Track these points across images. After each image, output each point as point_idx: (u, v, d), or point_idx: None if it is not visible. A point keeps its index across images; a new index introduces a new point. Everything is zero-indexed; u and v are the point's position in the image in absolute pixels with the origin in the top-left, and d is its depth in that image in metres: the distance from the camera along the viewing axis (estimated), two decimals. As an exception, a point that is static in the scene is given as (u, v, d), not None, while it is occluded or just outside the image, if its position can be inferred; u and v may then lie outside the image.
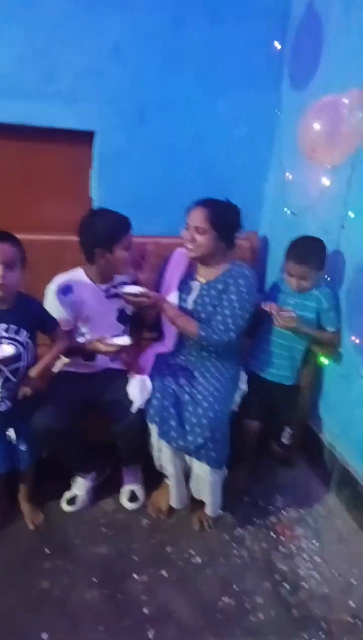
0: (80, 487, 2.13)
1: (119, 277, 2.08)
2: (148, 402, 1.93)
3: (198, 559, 1.94)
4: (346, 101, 1.81)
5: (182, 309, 2.08)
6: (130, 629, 1.68)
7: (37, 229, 2.41)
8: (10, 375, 1.80)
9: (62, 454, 2.02)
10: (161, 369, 2.06)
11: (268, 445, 2.44)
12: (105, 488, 2.20)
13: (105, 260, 1.94)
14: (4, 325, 1.77)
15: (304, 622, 1.74)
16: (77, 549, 1.95)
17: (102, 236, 1.91)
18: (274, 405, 2.27)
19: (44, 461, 1.99)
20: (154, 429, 1.93)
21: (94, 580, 1.83)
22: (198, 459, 1.90)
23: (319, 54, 2.26)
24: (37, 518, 2.03)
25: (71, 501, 2.10)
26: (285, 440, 2.34)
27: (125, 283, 2.09)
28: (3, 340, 1.76)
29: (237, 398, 2.11)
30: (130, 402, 1.91)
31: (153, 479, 2.16)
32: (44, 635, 1.64)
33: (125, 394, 1.94)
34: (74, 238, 1.97)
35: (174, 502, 2.04)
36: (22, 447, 1.90)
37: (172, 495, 2.03)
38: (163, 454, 1.97)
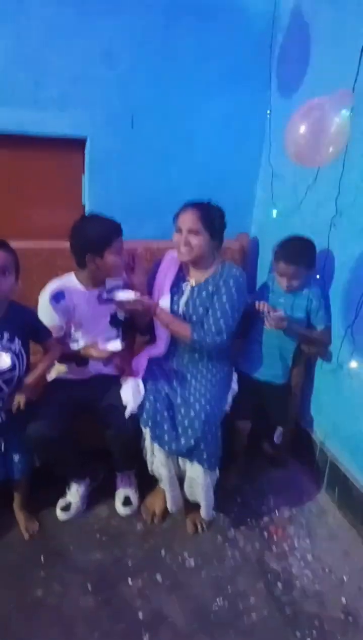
0: (74, 493, 2.09)
1: (111, 282, 2.04)
2: (141, 405, 1.90)
3: (192, 562, 1.91)
4: (331, 103, 1.78)
5: (174, 312, 2.05)
6: (125, 634, 1.64)
7: (29, 236, 2.38)
8: (3, 385, 1.75)
9: (56, 462, 1.97)
10: (154, 373, 2.03)
11: (260, 445, 2.41)
12: (100, 494, 2.16)
13: (96, 265, 1.90)
14: (-3, 334, 1.72)
15: (297, 620, 1.71)
16: (72, 556, 1.90)
17: (92, 241, 1.87)
18: (265, 405, 2.23)
19: (37, 469, 1.94)
20: (147, 433, 1.90)
21: (89, 586, 1.79)
22: (191, 460, 1.87)
23: (306, 59, 2.23)
24: (32, 526, 1.98)
25: (65, 508, 2.06)
26: (276, 439, 2.31)
27: (117, 287, 2.05)
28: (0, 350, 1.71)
29: (229, 399, 2.08)
30: (124, 407, 1.88)
31: (147, 484, 2.13)
32: (39, 643, 1.60)
33: (119, 398, 1.91)
34: (67, 244, 1.93)
35: (169, 506, 2.01)
36: (16, 457, 1.85)
37: (167, 499, 2.00)
38: (156, 458, 1.94)
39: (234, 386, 2.13)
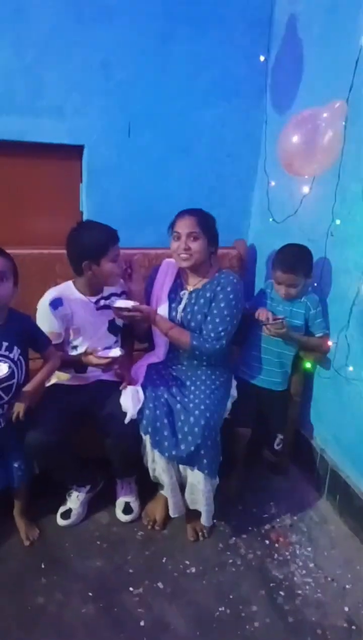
0: (74, 500, 2.09)
1: (109, 289, 2.06)
2: (140, 412, 1.91)
3: (193, 569, 1.91)
4: (325, 114, 1.81)
5: (172, 319, 2.08)
6: (126, 643, 1.64)
7: (27, 243, 2.41)
8: (2, 394, 1.76)
9: (56, 469, 1.98)
10: (153, 379, 2.04)
11: (260, 452, 2.42)
12: (100, 501, 2.16)
13: (93, 272, 1.92)
14: (-4, 343, 1.73)
15: (300, 628, 1.71)
16: (72, 563, 1.90)
17: (88, 249, 1.89)
18: (265, 412, 2.25)
19: (37, 476, 1.95)
20: (147, 440, 1.91)
21: (89, 594, 1.79)
22: (191, 466, 1.88)
23: (300, 71, 2.26)
24: (33, 533, 1.99)
25: (66, 515, 2.06)
26: (276, 446, 2.32)
27: (115, 295, 2.07)
28: None
29: (228, 405, 2.09)
30: (123, 414, 1.89)
31: (147, 490, 2.13)
32: (40, 652, 1.60)
33: (118, 405, 1.92)
34: (65, 251, 1.95)
35: (171, 511, 2.01)
36: (16, 464, 1.86)
37: (169, 505, 2.00)
38: (157, 464, 1.95)
39: (234, 393, 2.14)
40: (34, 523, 2.03)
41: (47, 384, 1.99)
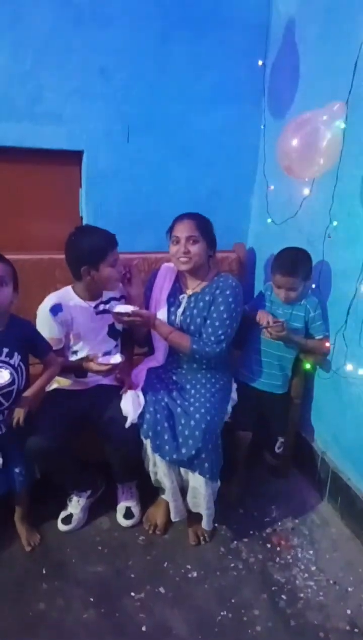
0: (75, 505, 2.10)
1: (108, 294, 2.07)
2: (141, 416, 1.92)
3: (194, 574, 1.91)
4: (324, 116, 1.82)
5: (171, 323, 2.09)
6: (128, 648, 1.65)
7: (27, 248, 2.43)
8: (2, 400, 1.77)
9: (56, 473, 1.99)
10: (153, 383, 2.05)
11: (261, 455, 2.42)
12: (101, 506, 2.17)
13: (92, 277, 1.93)
14: (-4, 349, 1.74)
15: (302, 632, 1.72)
16: (74, 569, 1.91)
17: (87, 253, 1.90)
18: (266, 415, 2.26)
19: (38, 481, 1.96)
20: (147, 444, 1.92)
21: (91, 599, 1.80)
22: (192, 469, 1.89)
23: (298, 73, 2.28)
24: (34, 538, 2.00)
25: (67, 520, 2.07)
26: (277, 449, 2.33)
27: (114, 299, 2.08)
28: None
29: (229, 408, 2.10)
30: (124, 418, 1.90)
31: (148, 495, 2.14)
32: (41, 658, 1.61)
33: (119, 409, 1.93)
34: (64, 256, 1.96)
35: (173, 515, 2.01)
36: (17, 470, 1.87)
37: (171, 509, 2.00)
38: (158, 468, 1.95)
39: (234, 396, 2.14)
40: (35, 528, 2.03)
41: (48, 389, 2.00)
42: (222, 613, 1.77)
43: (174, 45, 2.40)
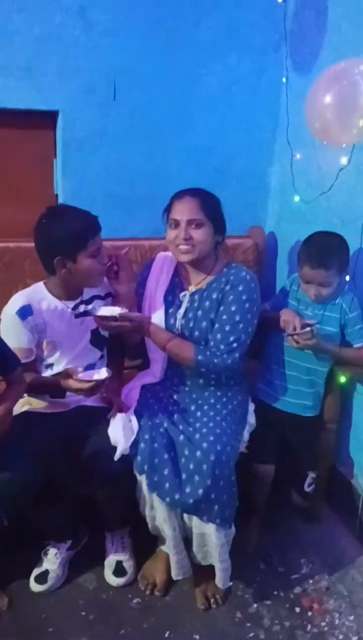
0: (52, 560, 2.10)
1: (90, 291, 2.07)
2: (134, 446, 1.91)
3: (204, 646, 1.92)
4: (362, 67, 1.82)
5: (170, 327, 2.09)
6: None
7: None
8: None
9: (28, 519, 1.99)
10: (149, 404, 2.06)
11: (287, 494, 2.42)
12: (85, 560, 2.17)
13: (68, 270, 1.93)
14: None
15: None
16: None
17: (61, 241, 1.89)
18: (292, 444, 2.26)
19: (5, 529, 1.94)
20: (142, 481, 1.91)
21: None
22: (200, 515, 1.88)
23: (326, 18, 2.28)
24: (1, 602, 1.99)
25: (41, 578, 2.07)
26: (307, 487, 2.32)
27: (98, 298, 2.09)
28: None
29: (245, 435, 2.10)
30: (113, 448, 1.89)
31: (144, 545, 2.14)
32: None
33: (106, 438, 1.93)
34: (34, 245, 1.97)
35: (174, 573, 2.01)
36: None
37: (171, 564, 2.00)
38: (157, 512, 1.95)
39: (251, 419, 2.15)
40: (2, 590, 2.03)
41: (16, 412, 1.99)
42: None
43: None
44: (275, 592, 2.10)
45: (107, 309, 1.96)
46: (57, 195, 2.59)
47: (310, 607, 2.05)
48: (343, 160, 2.17)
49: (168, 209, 2.06)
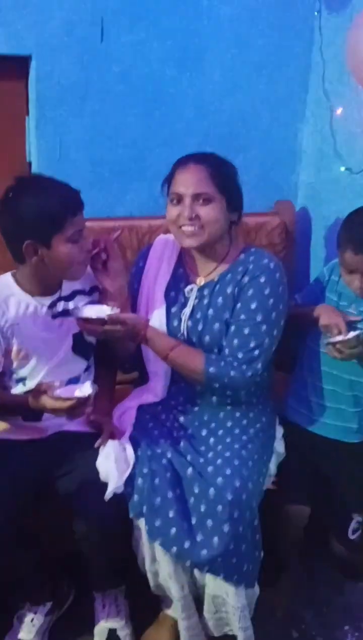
0: (27, 628, 2.09)
1: (71, 285, 2.07)
2: (130, 482, 1.91)
3: None
4: None
5: (173, 332, 2.09)
6: None
7: None
8: None
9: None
10: (148, 429, 2.06)
11: (325, 543, 2.39)
12: (69, 627, 2.17)
13: (41, 258, 1.92)
14: None
15: None
16: None
17: (32, 221, 1.88)
18: (331, 478, 2.25)
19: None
20: (141, 526, 1.91)
21: None
22: (214, 572, 1.87)
23: None
24: None
25: (15, 651, 2.08)
26: (351, 534, 2.30)
27: (81, 293, 2.08)
28: None
29: (272, 468, 2.10)
30: (102, 485, 1.89)
31: (145, 609, 2.14)
32: None
33: (93, 471, 1.93)
34: (-1, 226, 1.97)
35: (184, 642, 2.02)
36: None
37: (180, 631, 1.99)
38: (160, 566, 1.95)
39: (279, 447, 2.15)
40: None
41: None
42: None
43: None
44: (312, 669, 2.12)
45: (93, 308, 1.95)
46: (29, 163, 2.60)
47: None
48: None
49: (169, 180, 2.06)
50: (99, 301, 2.06)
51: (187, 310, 2.10)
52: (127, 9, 2.48)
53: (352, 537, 2.31)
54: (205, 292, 2.10)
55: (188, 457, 1.97)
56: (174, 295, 2.13)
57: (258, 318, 2.00)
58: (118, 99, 2.56)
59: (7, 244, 1.94)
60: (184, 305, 2.11)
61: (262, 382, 2.09)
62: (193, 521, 1.86)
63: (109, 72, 2.52)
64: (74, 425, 2.07)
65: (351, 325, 2.08)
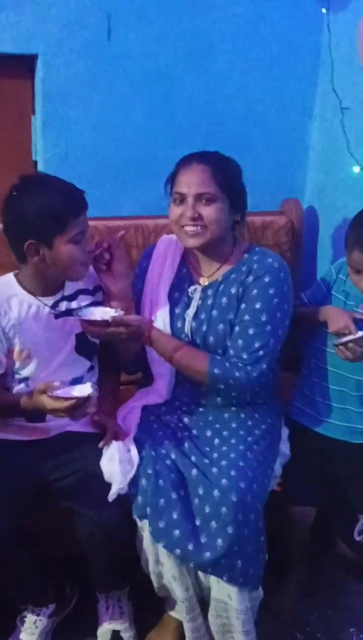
0: (30, 629, 2.09)
1: (74, 285, 2.07)
2: (134, 483, 1.91)
3: None
4: None
5: (176, 332, 2.09)
6: None
7: None
8: None
9: (1, 576, 1.98)
10: (152, 430, 2.06)
11: (330, 544, 2.40)
12: (73, 629, 2.17)
13: (41, 258, 1.92)
14: None
15: None
16: None
17: (35, 220, 1.88)
18: (337, 479, 2.24)
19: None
20: (145, 528, 1.91)
21: None
22: (218, 574, 1.86)
23: None
24: None
25: (17, 653, 2.08)
26: (357, 535, 2.28)
27: (84, 293, 2.08)
28: None
29: (277, 469, 2.10)
30: (106, 485, 1.89)
31: (149, 611, 2.14)
32: None
33: (98, 472, 1.92)
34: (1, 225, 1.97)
35: (189, 646, 2.01)
36: None
37: (186, 631, 1.99)
38: (164, 568, 1.94)
39: (285, 449, 2.15)
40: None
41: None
42: None
43: None
44: (317, 672, 2.11)
45: (97, 310, 1.95)
46: (35, 162, 2.60)
47: None
48: None
49: (171, 179, 2.05)
50: (103, 301, 2.07)
51: (191, 311, 2.10)
52: (134, 7, 2.47)
53: (357, 538, 2.30)
54: (209, 292, 2.10)
55: (193, 458, 1.97)
56: (177, 295, 2.13)
57: (263, 318, 2.00)
58: (123, 98, 2.56)
59: (9, 243, 1.94)
60: (188, 305, 2.11)
61: (267, 382, 2.08)
62: (198, 523, 1.86)
63: (115, 72, 2.52)
64: (78, 426, 2.07)
65: (359, 324, 2.07)
